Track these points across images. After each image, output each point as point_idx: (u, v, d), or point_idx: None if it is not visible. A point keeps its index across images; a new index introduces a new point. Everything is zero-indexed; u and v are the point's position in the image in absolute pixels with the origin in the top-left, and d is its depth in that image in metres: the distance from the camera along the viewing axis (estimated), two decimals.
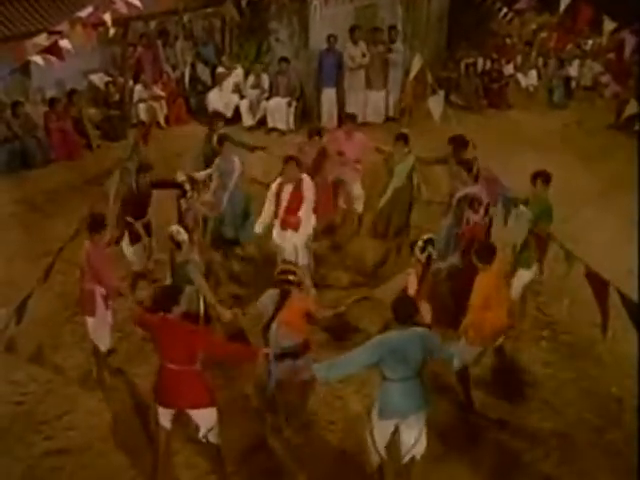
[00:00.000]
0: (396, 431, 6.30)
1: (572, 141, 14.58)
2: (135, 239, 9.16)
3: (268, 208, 9.14)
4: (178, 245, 7.74)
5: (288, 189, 8.96)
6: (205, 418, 6.48)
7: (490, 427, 7.42)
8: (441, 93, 10.47)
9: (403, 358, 5.98)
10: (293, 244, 9.07)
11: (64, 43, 9.28)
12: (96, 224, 7.50)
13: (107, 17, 9.74)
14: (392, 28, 15.19)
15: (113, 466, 6.95)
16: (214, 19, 15.22)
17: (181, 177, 9.09)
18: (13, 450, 7.09)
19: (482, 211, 8.58)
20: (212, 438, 6.57)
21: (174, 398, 6.38)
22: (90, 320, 7.71)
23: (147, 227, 9.22)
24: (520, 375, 8.19)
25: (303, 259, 9.15)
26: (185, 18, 14.36)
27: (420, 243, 7.54)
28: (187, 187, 8.95)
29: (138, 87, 14.76)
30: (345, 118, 11.41)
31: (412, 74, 11.05)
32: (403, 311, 6.10)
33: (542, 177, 8.28)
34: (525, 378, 8.15)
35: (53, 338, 8.69)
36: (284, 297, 6.85)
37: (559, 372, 8.23)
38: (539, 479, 6.89)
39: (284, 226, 9.06)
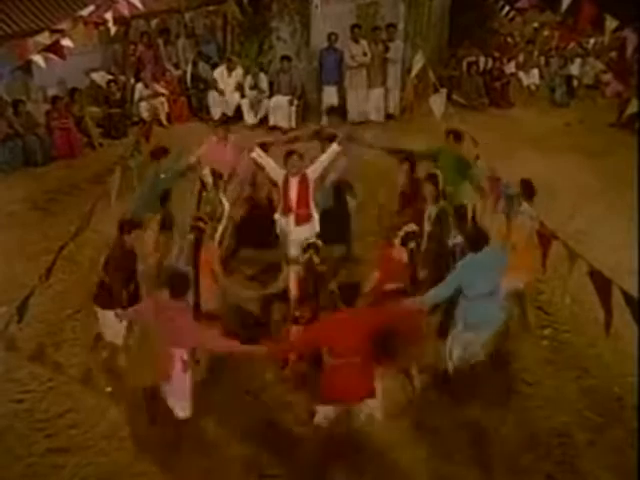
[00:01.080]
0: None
1: (574, 139, 14.55)
2: None
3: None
4: None
5: (294, 183, 8.90)
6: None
7: (491, 425, 7.42)
8: (443, 91, 10.43)
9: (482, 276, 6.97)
10: (305, 238, 8.89)
11: (66, 42, 9.31)
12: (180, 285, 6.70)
13: (109, 16, 9.72)
14: (390, 26, 15.12)
15: (115, 464, 6.94)
16: (215, 17, 15.18)
17: (204, 171, 9.06)
18: (14, 448, 7.09)
19: None
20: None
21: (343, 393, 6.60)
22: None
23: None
24: (521, 373, 8.17)
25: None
26: (187, 16, 14.32)
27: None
28: (209, 180, 8.90)
29: (139, 85, 14.77)
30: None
31: (414, 72, 11.03)
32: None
33: (453, 134, 9.36)
34: (526, 376, 8.13)
35: (54, 336, 8.66)
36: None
37: (560, 371, 8.21)
38: (540, 478, 6.88)
39: (299, 221, 8.95)
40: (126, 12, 9.90)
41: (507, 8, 14.97)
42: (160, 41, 15.50)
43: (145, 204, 8.84)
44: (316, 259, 7.82)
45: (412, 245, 7.77)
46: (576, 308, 9.09)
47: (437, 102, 10.25)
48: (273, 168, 9.07)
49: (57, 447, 7.12)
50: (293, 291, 8.07)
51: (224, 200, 9.16)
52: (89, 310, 8.92)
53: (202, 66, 15.21)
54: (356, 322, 6.49)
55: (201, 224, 8.08)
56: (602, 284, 6.17)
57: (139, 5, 9.77)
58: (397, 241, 7.89)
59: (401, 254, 7.88)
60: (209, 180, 9.09)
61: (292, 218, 8.94)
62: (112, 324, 7.64)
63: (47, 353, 8.40)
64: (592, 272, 6.28)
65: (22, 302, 6.81)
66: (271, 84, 14.90)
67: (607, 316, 6.24)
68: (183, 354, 6.70)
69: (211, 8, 14.36)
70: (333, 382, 6.60)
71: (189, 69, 15.27)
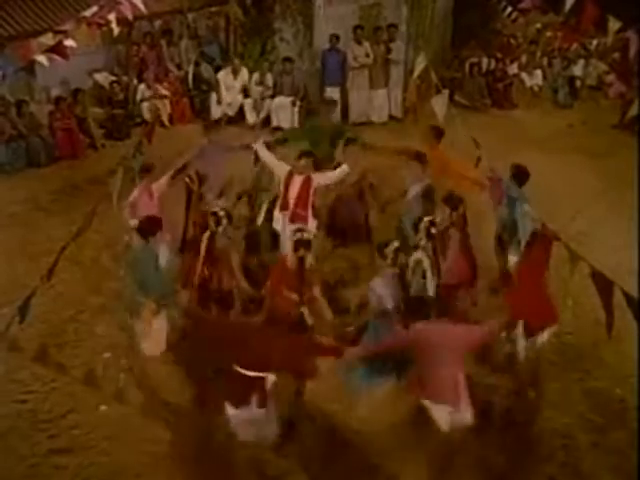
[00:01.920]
0: None
1: (577, 140, 14.54)
2: None
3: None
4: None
5: (297, 182, 8.99)
6: None
7: (493, 427, 7.40)
8: (445, 92, 10.41)
9: None
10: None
11: (69, 42, 9.30)
12: None
13: (112, 17, 9.72)
14: (391, 26, 15.13)
15: (117, 465, 6.94)
16: (218, 18, 15.18)
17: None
18: (17, 449, 7.09)
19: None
20: None
21: None
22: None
23: None
24: (524, 375, 8.15)
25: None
26: (189, 17, 14.32)
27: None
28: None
29: (142, 86, 14.77)
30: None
31: (416, 73, 11.02)
32: None
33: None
34: (529, 378, 8.11)
35: (56, 337, 8.66)
36: None
37: (563, 372, 8.20)
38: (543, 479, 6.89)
39: (293, 219, 9.02)
40: (129, 14, 9.85)
41: (510, 9, 14.94)
42: (163, 42, 15.49)
43: None
44: (308, 258, 7.79)
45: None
46: (578, 310, 9.05)
47: (439, 103, 10.25)
48: (277, 164, 9.15)
49: (60, 447, 7.12)
50: None
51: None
52: (92, 310, 9.00)
53: (205, 67, 15.22)
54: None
55: None
56: (604, 286, 6.16)
57: (141, 7, 9.72)
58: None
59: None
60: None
61: (287, 215, 9.05)
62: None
63: (50, 354, 8.38)
64: (594, 274, 6.27)
65: (24, 302, 6.80)
66: (274, 85, 14.89)
67: (609, 318, 6.23)
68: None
69: (214, 9, 14.33)
70: None
71: (191, 69, 15.26)
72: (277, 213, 9.27)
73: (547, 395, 7.86)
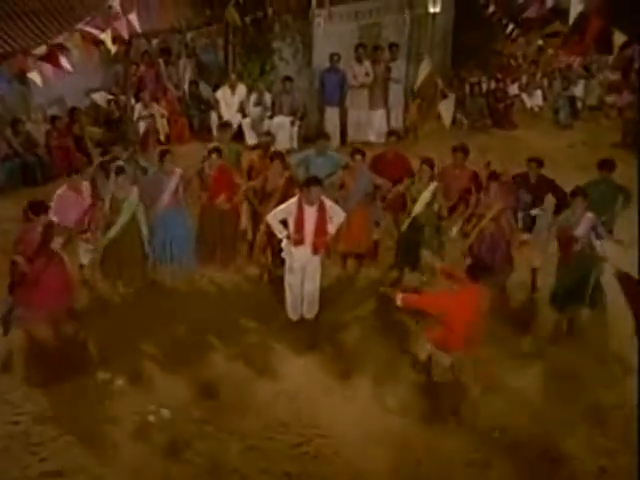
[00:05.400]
0: None
1: (577, 158, 14.42)
2: None
3: (280, 229, 9.00)
4: None
5: (311, 214, 8.78)
6: None
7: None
8: (452, 96, 10.35)
9: None
10: (314, 266, 9.12)
11: (63, 56, 9.20)
12: None
13: (108, 35, 9.56)
14: (392, 46, 15.13)
15: None
16: (217, 37, 15.07)
17: None
18: (9, 471, 6.89)
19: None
20: None
21: None
22: None
23: None
24: None
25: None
26: (188, 36, 14.20)
27: None
28: None
29: (138, 105, 14.60)
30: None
31: (420, 78, 10.87)
32: None
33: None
34: None
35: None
36: None
37: None
38: None
39: (315, 250, 8.96)
40: (125, 33, 9.68)
41: (511, 26, 14.85)
42: (161, 61, 15.37)
43: None
44: None
45: None
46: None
47: (445, 107, 10.14)
48: (280, 210, 8.95)
49: (51, 470, 6.91)
50: None
51: None
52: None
53: (203, 86, 15.09)
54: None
55: None
56: (630, 285, 5.99)
57: (136, 25, 9.56)
58: None
59: None
60: None
61: (308, 247, 8.91)
62: None
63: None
64: (619, 274, 6.11)
65: (6, 313, 6.65)
66: (273, 104, 14.77)
67: (637, 318, 6.06)
68: None
69: (213, 27, 14.21)
70: None
71: (187, 88, 15.14)
72: (284, 243, 9.07)
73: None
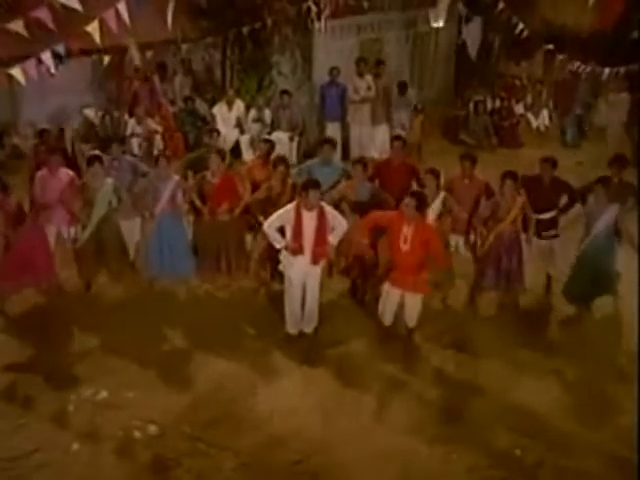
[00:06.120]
0: None
1: (587, 176, 13.90)
2: None
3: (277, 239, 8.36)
4: None
5: (309, 220, 8.12)
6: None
7: None
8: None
9: None
10: (314, 278, 8.46)
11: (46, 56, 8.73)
12: None
13: (95, 27, 8.99)
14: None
15: None
16: (214, 51, 14.60)
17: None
18: None
19: None
20: None
21: None
22: None
23: None
24: None
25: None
26: (183, 48, 13.70)
27: None
28: None
29: (132, 121, 14.08)
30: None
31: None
32: None
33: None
34: None
35: None
36: None
37: None
38: None
39: (315, 259, 8.27)
40: (114, 25, 9.10)
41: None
42: (156, 78, 14.88)
43: None
44: None
45: None
46: None
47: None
48: (277, 216, 8.31)
49: None
50: None
51: None
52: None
53: (199, 103, 14.61)
54: None
55: None
56: None
57: (126, 18, 8.98)
58: None
59: None
60: None
61: (307, 257, 8.24)
62: None
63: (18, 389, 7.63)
64: None
65: None
66: (271, 121, 14.26)
67: None
68: None
69: (209, 39, 13.73)
70: None
71: (182, 104, 14.68)
72: (288, 258, 8.39)
73: None
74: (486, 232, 9.12)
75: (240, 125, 14.35)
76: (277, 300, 8.92)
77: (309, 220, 8.11)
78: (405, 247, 8.06)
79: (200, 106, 14.63)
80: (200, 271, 9.71)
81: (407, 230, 8.02)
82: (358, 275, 9.45)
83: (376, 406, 7.50)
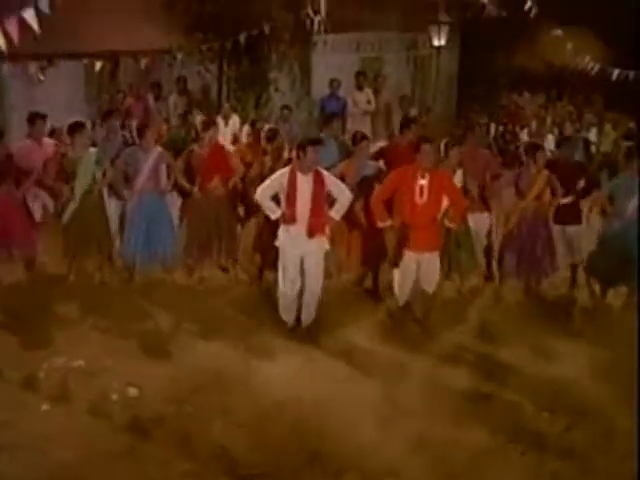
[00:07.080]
0: None
1: None
2: None
3: (271, 208, 7.56)
4: None
5: (304, 184, 7.33)
6: None
7: None
8: None
9: None
10: (315, 262, 7.60)
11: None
12: None
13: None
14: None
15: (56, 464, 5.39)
16: (210, 65, 14.22)
17: None
18: None
19: None
20: None
21: None
22: None
23: None
24: None
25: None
26: (179, 58, 13.30)
27: None
28: None
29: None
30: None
31: None
32: None
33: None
34: None
35: None
36: None
37: None
38: None
39: (310, 232, 7.40)
40: (14, 31, 8.28)
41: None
42: (150, 96, 14.49)
43: None
44: None
45: None
46: None
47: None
48: (271, 180, 7.56)
49: None
50: None
51: None
52: None
53: (195, 114, 14.15)
54: None
55: None
56: None
57: (35, 26, 8.19)
58: None
59: None
60: None
61: (303, 228, 7.39)
62: None
63: None
64: None
65: None
66: None
67: None
68: None
69: (204, 48, 13.30)
70: None
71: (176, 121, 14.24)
72: (283, 230, 7.56)
73: None
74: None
75: (236, 140, 13.87)
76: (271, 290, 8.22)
77: (304, 184, 7.32)
78: (421, 200, 7.49)
79: (196, 119, 14.20)
80: (194, 257, 8.98)
81: (423, 182, 7.45)
82: (369, 259, 8.75)
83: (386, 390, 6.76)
